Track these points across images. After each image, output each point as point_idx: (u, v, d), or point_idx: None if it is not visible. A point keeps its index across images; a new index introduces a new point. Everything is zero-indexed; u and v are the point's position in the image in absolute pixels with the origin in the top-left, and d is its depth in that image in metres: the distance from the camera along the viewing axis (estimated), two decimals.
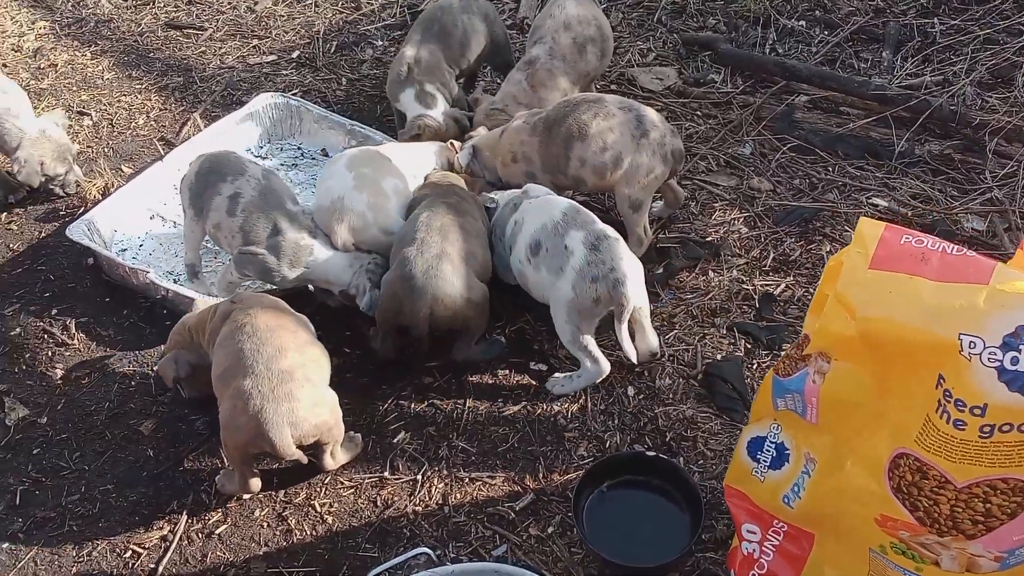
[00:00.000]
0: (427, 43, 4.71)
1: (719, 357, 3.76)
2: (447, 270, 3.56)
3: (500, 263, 3.88)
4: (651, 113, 4.00)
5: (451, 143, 4.37)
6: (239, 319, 3.30)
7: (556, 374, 3.69)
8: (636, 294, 3.46)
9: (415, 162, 4.21)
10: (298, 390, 3.15)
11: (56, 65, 5.61)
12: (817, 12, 5.62)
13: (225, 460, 3.42)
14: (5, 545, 3.32)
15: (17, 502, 3.44)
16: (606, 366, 3.57)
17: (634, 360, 3.55)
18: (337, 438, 3.33)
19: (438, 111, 4.64)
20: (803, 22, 5.56)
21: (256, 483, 3.32)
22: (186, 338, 3.54)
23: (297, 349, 3.27)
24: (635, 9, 5.82)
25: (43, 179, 4.52)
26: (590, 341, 3.56)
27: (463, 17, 4.81)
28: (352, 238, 3.88)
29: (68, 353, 3.93)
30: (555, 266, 3.53)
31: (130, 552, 3.28)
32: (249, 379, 3.14)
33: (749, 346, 3.80)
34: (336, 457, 3.39)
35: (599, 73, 4.84)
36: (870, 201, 4.40)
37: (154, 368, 3.74)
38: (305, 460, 3.30)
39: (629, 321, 3.52)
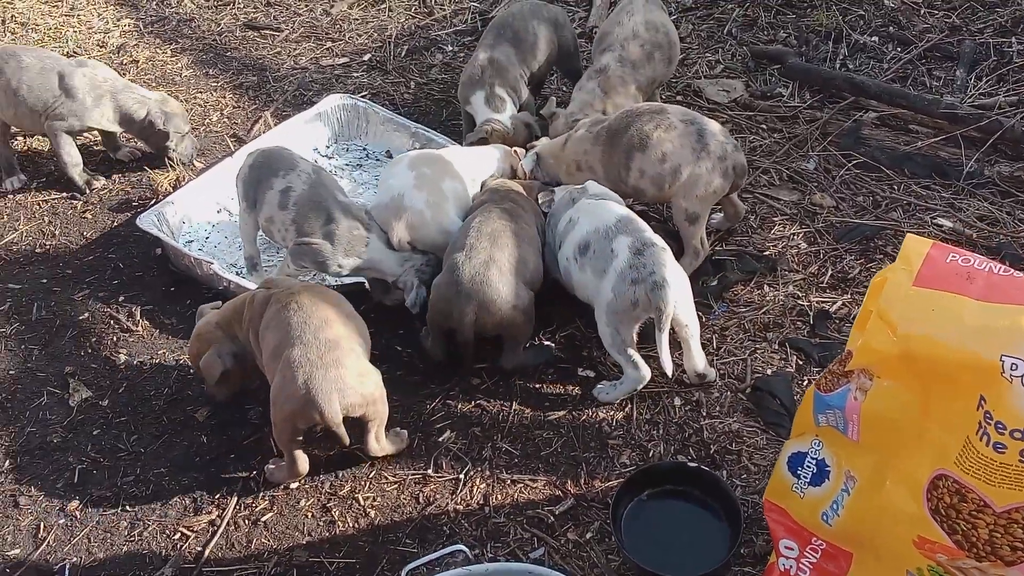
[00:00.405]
0: (500, 47, 4.78)
1: (769, 372, 3.73)
2: (494, 276, 3.59)
3: (549, 253, 3.92)
4: (713, 126, 3.99)
5: (515, 150, 4.41)
6: (283, 299, 3.39)
7: (602, 382, 3.70)
8: (677, 302, 3.45)
9: (477, 166, 4.27)
10: (345, 358, 3.25)
11: (137, 61, 5.80)
12: (891, 28, 5.54)
13: (274, 445, 3.49)
14: (62, 521, 3.44)
15: (75, 480, 3.57)
16: (647, 372, 3.56)
17: (668, 372, 3.52)
18: (382, 417, 3.37)
19: (506, 115, 4.68)
20: (876, 38, 5.49)
21: (304, 463, 3.38)
22: (217, 335, 3.59)
23: (341, 321, 3.38)
24: (705, 21, 5.80)
25: (174, 135, 4.78)
26: (631, 346, 3.56)
27: (534, 22, 4.86)
28: (408, 235, 3.94)
29: (132, 339, 4.06)
30: (599, 268, 3.56)
31: (179, 534, 3.37)
32: (297, 348, 3.23)
33: (800, 362, 3.76)
34: (381, 442, 3.43)
35: (666, 80, 4.85)
36: (935, 221, 4.32)
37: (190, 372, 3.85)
38: (347, 441, 3.34)
39: (677, 340, 3.52)
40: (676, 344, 3.64)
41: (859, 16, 5.66)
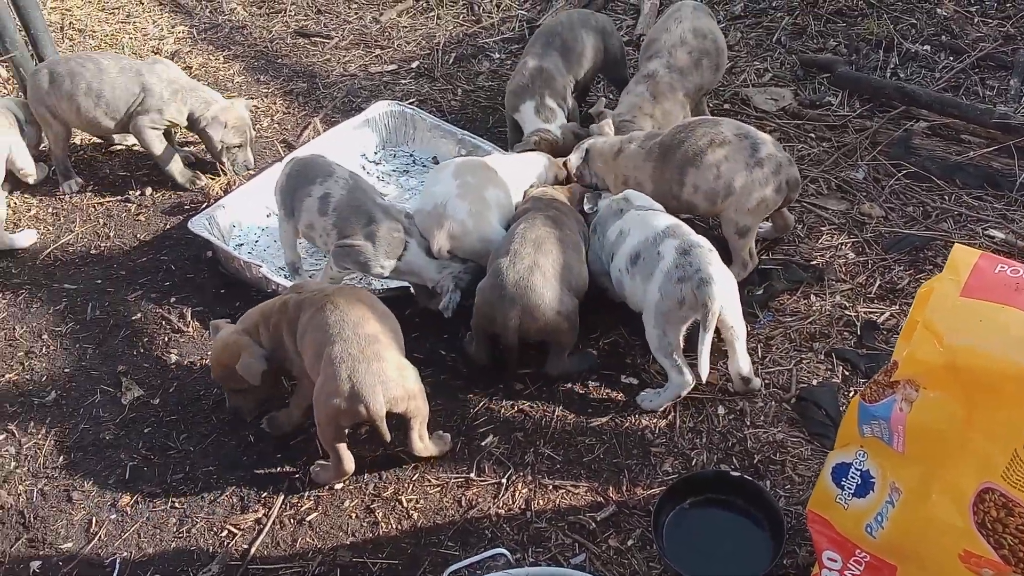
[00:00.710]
0: (548, 56, 4.80)
1: (814, 382, 3.70)
2: (538, 282, 3.61)
3: (595, 260, 3.93)
4: (766, 140, 3.97)
5: (560, 161, 4.42)
6: (318, 301, 3.45)
7: (646, 390, 3.70)
8: (724, 302, 3.44)
9: (522, 173, 4.29)
10: (385, 351, 3.33)
11: (191, 67, 5.91)
12: (943, 37, 5.48)
13: (320, 445, 3.53)
14: (113, 516, 3.52)
15: (127, 476, 3.65)
16: (691, 379, 3.56)
17: (703, 375, 3.50)
18: (424, 414, 3.42)
19: (555, 125, 4.70)
20: (928, 47, 5.43)
21: (350, 461, 3.44)
22: (245, 341, 3.56)
23: (376, 318, 3.45)
24: (754, 29, 5.78)
25: (220, 145, 4.83)
26: (677, 350, 3.57)
27: (582, 31, 4.88)
28: (449, 244, 3.97)
29: (182, 340, 4.14)
30: (647, 272, 3.57)
31: (226, 532, 3.43)
32: (338, 345, 3.29)
33: (847, 373, 3.73)
34: (424, 441, 3.48)
35: (712, 87, 4.84)
36: (986, 232, 4.26)
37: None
38: (389, 437, 3.37)
39: (722, 342, 3.51)
40: (722, 353, 3.64)
41: (911, 25, 5.60)
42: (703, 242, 3.57)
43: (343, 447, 3.41)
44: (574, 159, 4.28)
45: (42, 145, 5.14)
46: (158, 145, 4.90)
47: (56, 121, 4.87)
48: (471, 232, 3.97)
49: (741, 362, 3.60)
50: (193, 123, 4.86)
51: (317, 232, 4.06)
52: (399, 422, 3.40)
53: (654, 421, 3.62)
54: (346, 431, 3.39)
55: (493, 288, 3.66)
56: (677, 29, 4.59)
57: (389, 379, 3.27)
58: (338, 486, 3.51)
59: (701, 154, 3.91)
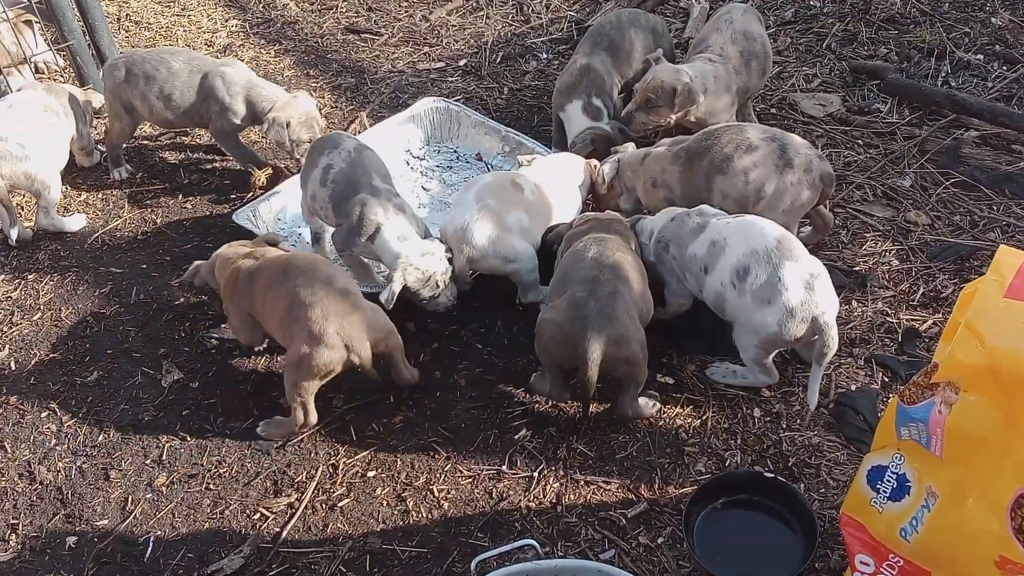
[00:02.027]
0: (596, 55, 4.81)
1: (853, 388, 3.66)
2: (621, 311, 3.38)
3: (671, 281, 3.82)
4: (795, 140, 3.94)
5: (591, 162, 4.42)
6: (275, 269, 3.64)
7: (718, 363, 3.73)
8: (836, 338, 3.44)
9: (566, 175, 4.30)
10: (361, 302, 3.56)
11: (242, 60, 5.97)
12: (997, 46, 5.40)
13: (290, 399, 3.58)
14: (149, 495, 3.57)
15: (163, 457, 3.70)
16: (775, 377, 3.57)
17: (812, 406, 3.48)
18: (401, 345, 3.68)
19: (604, 123, 4.71)
20: (980, 56, 5.35)
21: (314, 414, 3.61)
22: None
23: (341, 274, 3.66)
24: (804, 35, 5.73)
25: (290, 143, 4.74)
26: (769, 359, 3.57)
27: (631, 31, 4.88)
28: (469, 266, 3.99)
29: (223, 325, 4.18)
30: (764, 296, 3.41)
31: (259, 515, 3.46)
32: (317, 306, 3.45)
33: (886, 379, 3.68)
34: (409, 370, 3.75)
35: (757, 92, 4.81)
36: None
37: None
38: (378, 376, 3.66)
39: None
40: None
41: (964, 34, 5.53)
42: (818, 267, 3.44)
43: (311, 400, 3.58)
44: (607, 170, 4.26)
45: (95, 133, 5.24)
46: (234, 147, 4.98)
47: (128, 115, 4.94)
48: (490, 256, 3.95)
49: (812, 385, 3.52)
50: (260, 123, 4.83)
51: (319, 204, 4.13)
52: (382, 358, 3.65)
53: (688, 421, 3.60)
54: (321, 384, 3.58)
55: (573, 320, 3.35)
56: (728, 29, 4.59)
57: (370, 326, 3.51)
58: (371, 474, 3.53)
59: (728, 161, 3.89)
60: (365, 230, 3.92)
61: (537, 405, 3.72)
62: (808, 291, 3.36)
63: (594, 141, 4.62)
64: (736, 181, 3.88)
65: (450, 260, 3.93)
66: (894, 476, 2.69)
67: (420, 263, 3.83)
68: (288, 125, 4.69)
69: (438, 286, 3.89)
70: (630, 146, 4.44)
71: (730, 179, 3.89)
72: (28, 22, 5.55)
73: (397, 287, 3.80)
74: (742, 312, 3.49)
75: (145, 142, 5.39)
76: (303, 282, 3.51)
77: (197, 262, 4.06)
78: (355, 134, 5.17)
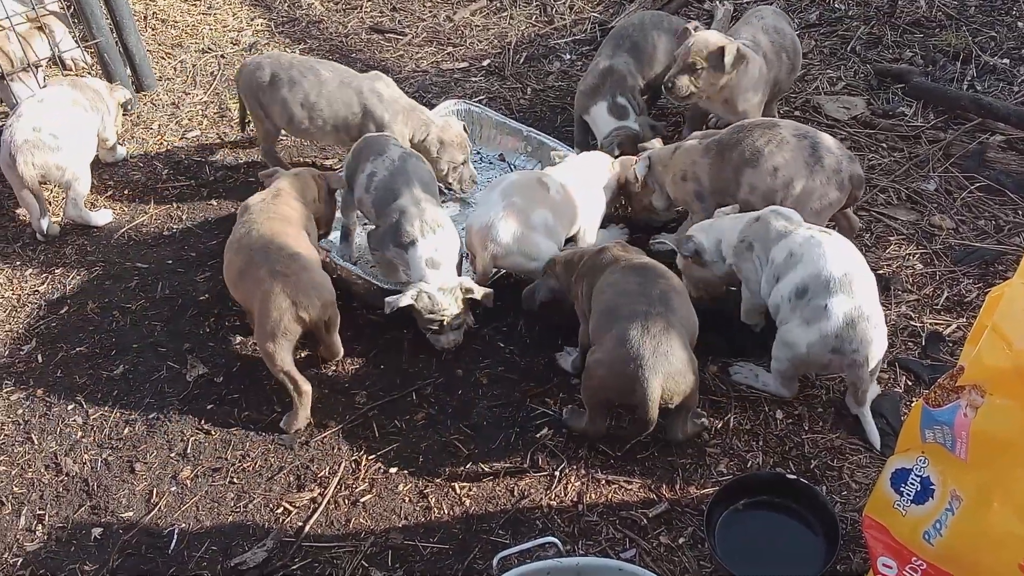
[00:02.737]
0: (619, 55, 4.82)
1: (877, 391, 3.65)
2: (676, 345, 3.28)
3: (755, 286, 3.72)
4: (827, 139, 3.93)
5: (623, 160, 4.43)
6: (242, 223, 3.92)
7: (742, 363, 3.74)
8: (873, 367, 3.43)
9: (592, 176, 4.32)
10: (309, 266, 3.76)
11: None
12: (1023, 50, 5.37)
13: (274, 374, 3.73)
14: (174, 488, 3.60)
15: (187, 450, 3.73)
16: (793, 392, 3.61)
17: (877, 447, 3.45)
18: (337, 319, 3.87)
19: (631, 121, 4.72)
20: (1007, 60, 5.33)
21: (305, 381, 3.74)
22: None
23: (294, 235, 3.86)
24: (828, 38, 5.72)
25: (447, 164, 4.58)
26: (795, 376, 3.58)
27: (654, 33, 4.89)
28: (493, 264, 4.01)
29: (247, 321, 4.21)
30: (807, 317, 3.39)
31: (282, 508, 3.49)
32: (264, 267, 3.67)
33: (910, 383, 3.67)
34: (337, 344, 3.95)
35: (786, 90, 4.81)
36: None
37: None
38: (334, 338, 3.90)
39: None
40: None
41: (990, 37, 5.51)
42: (873, 311, 3.38)
43: (294, 370, 3.71)
44: (640, 169, 4.27)
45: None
46: None
47: (267, 119, 4.78)
48: (515, 253, 3.98)
49: (852, 399, 3.53)
50: (415, 147, 4.58)
51: (365, 208, 4.18)
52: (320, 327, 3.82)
53: (710, 421, 3.59)
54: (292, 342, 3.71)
55: (627, 359, 3.23)
56: (759, 23, 4.61)
57: (317, 288, 3.69)
58: (393, 470, 3.55)
59: (758, 155, 3.89)
60: (400, 239, 3.93)
61: (559, 404, 3.73)
62: (848, 327, 3.32)
63: (622, 143, 4.63)
64: (765, 175, 3.88)
65: (467, 298, 3.90)
66: (918, 479, 2.69)
67: (436, 296, 3.83)
68: (444, 145, 4.57)
69: (441, 327, 3.87)
70: (657, 142, 4.45)
71: (759, 173, 3.89)
72: (42, 28, 5.56)
73: (403, 303, 3.83)
74: (785, 326, 3.48)
75: (172, 139, 5.43)
76: (259, 246, 3.74)
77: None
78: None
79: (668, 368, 3.24)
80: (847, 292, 3.35)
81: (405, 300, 3.82)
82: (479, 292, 3.91)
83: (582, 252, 3.85)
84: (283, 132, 4.92)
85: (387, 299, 3.85)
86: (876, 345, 3.38)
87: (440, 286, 3.84)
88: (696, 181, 4.09)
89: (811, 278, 3.40)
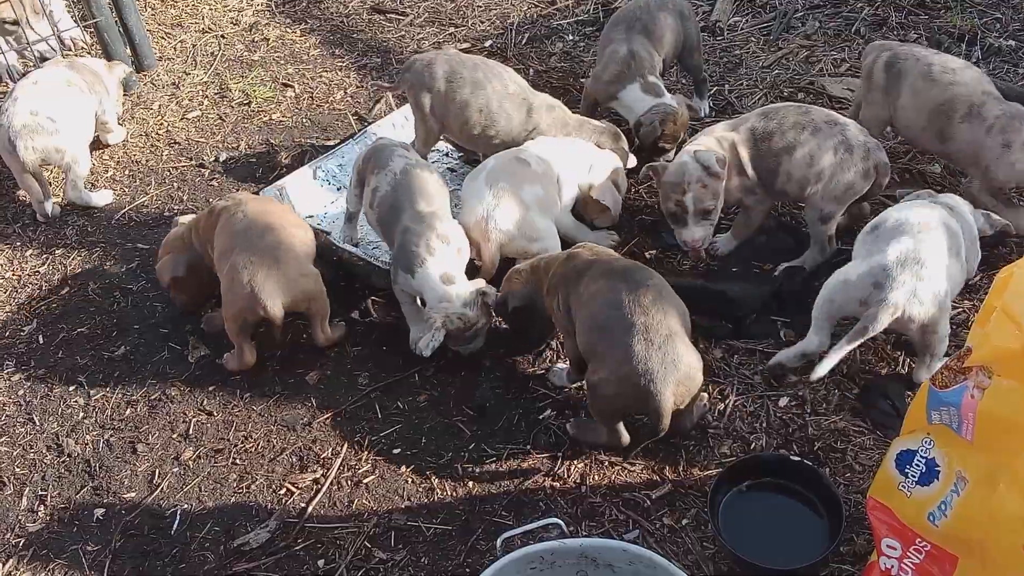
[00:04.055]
0: (635, 39, 4.74)
1: (882, 373, 3.64)
2: (681, 349, 3.22)
3: None
4: (853, 127, 3.92)
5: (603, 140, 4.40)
6: (231, 209, 3.88)
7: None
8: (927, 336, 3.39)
9: (582, 157, 4.29)
10: (285, 258, 3.74)
11: (268, 39, 6.00)
12: None
13: (231, 336, 3.81)
14: (176, 469, 3.60)
15: (189, 431, 3.72)
16: (822, 344, 3.47)
17: (815, 376, 3.36)
18: (324, 312, 3.86)
19: (668, 97, 4.66)
20: (1012, 42, 5.29)
21: (251, 354, 3.84)
22: (177, 245, 4.07)
23: (280, 227, 3.83)
24: (833, 19, 5.69)
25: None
26: (832, 319, 3.50)
27: (660, 13, 4.83)
28: (499, 253, 3.96)
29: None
30: (868, 251, 3.44)
31: (285, 489, 3.48)
32: (241, 253, 3.70)
33: (914, 366, 3.65)
34: (326, 333, 3.90)
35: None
36: None
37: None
38: (280, 339, 3.90)
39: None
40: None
41: (995, 19, 5.47)
42: (932, 264, 3.31)
43: (246, 342, 3.80)
44: (719, 152, 3.96)
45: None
46: None
47: (434, 120, 4.47)
48: (517, 237, 3.94)
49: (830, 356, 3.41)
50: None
51: (371, 224, 4.10)
52: (303, 317, 3.91)
53: (713, 403, 3.59)
54: (250, 329, 3.78)
55: (635, 376, 3.17)
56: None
57: (287, 283, 3.69)
58: (395, 451, 3.54)
59: (794, 144, 3.87)
60: (407, 263, 3.76)
61: (563, 387, 3.72)
62: (899, 266, 3.30)
63: (663, 122, 4.56)
64: (801, 162, 3.87)
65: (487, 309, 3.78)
66: (923, 460, 2.68)
67: (465, 314, 3.69)
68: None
69: (476, 336, 3.80)
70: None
71: (796, 161, 3.88)
72: (15, 22, 5.46)
73: (439, 340, 3.67)
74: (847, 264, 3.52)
75: (172, 119, 5.41)
76: (242, 226, 3.79)
77: None
78: (381, 113, 5.19)
79: (678, 375, 3.19)
80: (912, 235, 3.35)
81: (439, 336, 3.66)
82: (491, 292, 3.78)
83: (547, 261, 3.67)
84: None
85: (419, 345, 3.69)
86: (915, 295, 3.28)
87: (465, 302, 3.70)
88: (742, 175, 4.00)
89: (889, 218, 3.49)
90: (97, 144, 5.09)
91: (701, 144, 3.95)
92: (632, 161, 4.57)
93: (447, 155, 4.85)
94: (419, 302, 3.88)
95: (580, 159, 4.29)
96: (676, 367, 3.19)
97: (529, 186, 4.02)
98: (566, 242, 4.10)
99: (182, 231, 4.08)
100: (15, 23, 5.45)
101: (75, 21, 5.79)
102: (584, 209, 4.34)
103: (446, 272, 3.74)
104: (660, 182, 3.99)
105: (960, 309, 3.87)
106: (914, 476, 2.70)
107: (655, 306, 3.26)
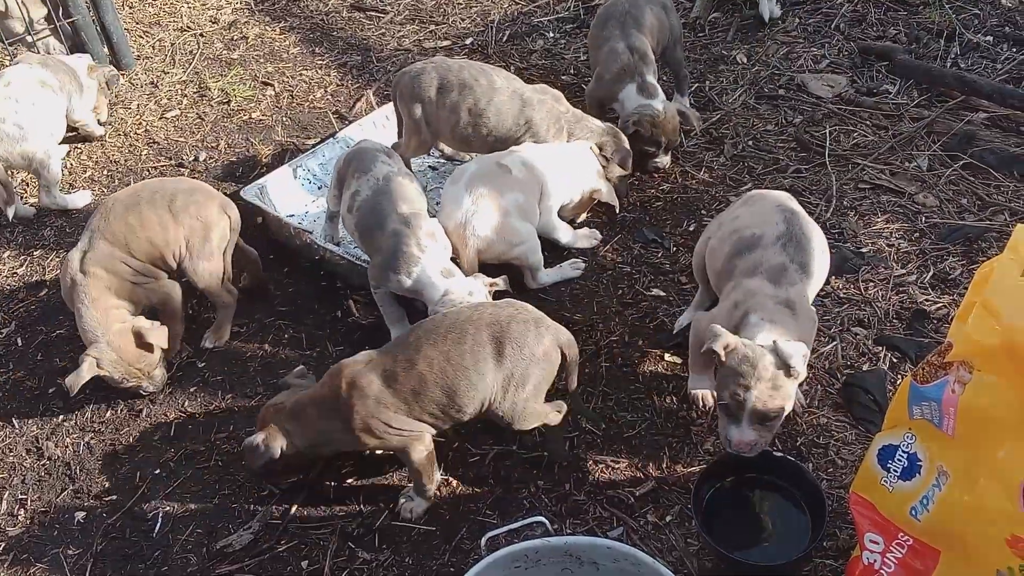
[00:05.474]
0: (631, 34, 4.71)
1: (862, 368, 3.66)
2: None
3: None
4: None
5: (594, 146, 4.38)
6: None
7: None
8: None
9: (572, 164, 4.28)
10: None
11: (247, 38, 5.97)
12: (1007, 28, 5.38)
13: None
14: (157, 471, 3.57)
15: (171, 433, 3.70)
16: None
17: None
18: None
19: (659, 100, 4.63)
20: (990, 37, 5.33)
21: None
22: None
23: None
24: (812, 15, 5.71)
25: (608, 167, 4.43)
26: None
27: (648, 7, 4.82)
28: (478, 258, 3.95)
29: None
30: None
31: (267, 491, 3.46)
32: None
33: (895, 360, 3.68)
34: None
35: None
36: None
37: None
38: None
39: None
40: None
41: (974, 15, 5.51)
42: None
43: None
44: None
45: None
46: None
47: (428, 130, 4.46)
48: (496, 243, 3.94)
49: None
50: None
51: (348, 227, 4.02)
52: None
53: (697, 399, 3.59)
54: None
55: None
56: None
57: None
58: (379, 452, 3.53)
59: None
60: (401, 265, 3.71)
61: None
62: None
63: (638, 122, 4.54)
64: None
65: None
66: (905, 455, 2.69)
67: (477, 297, 3.63)
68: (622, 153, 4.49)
69: None
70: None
71: None
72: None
73: None
74: None
75: (151, 118, 5.37)
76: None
77: None
78: (362, 112, 5.17)
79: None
80: None
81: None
82: (501, 283, 3.73)
83: (308, 398, 3.28)
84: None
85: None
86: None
87: (468, 291, 3.62)
88: None
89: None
90: (76, 141, 5.04)
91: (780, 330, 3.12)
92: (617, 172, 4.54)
93: (429, 153, 4.82)
94: (398, 303, 3.87)
95: (569, 165, 4.27)
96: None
97: (509, 192, 4.01)
98: (547, 244, 4.11)
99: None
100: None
101: (52, 20, 5.73)
102: (579, 208, 4.39)
103: (444, 267, 3.71)
104: (721, 361, 3.05)
105: (941, 304, 3.89)
106: (896, 471, 2.72)
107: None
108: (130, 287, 3.78)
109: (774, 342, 3.00)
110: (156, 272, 3.87)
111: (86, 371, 3.56)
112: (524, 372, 3.19)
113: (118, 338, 3.63)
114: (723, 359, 3.00)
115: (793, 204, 3.50)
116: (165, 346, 3.73)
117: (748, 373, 2.96)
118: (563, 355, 3.29)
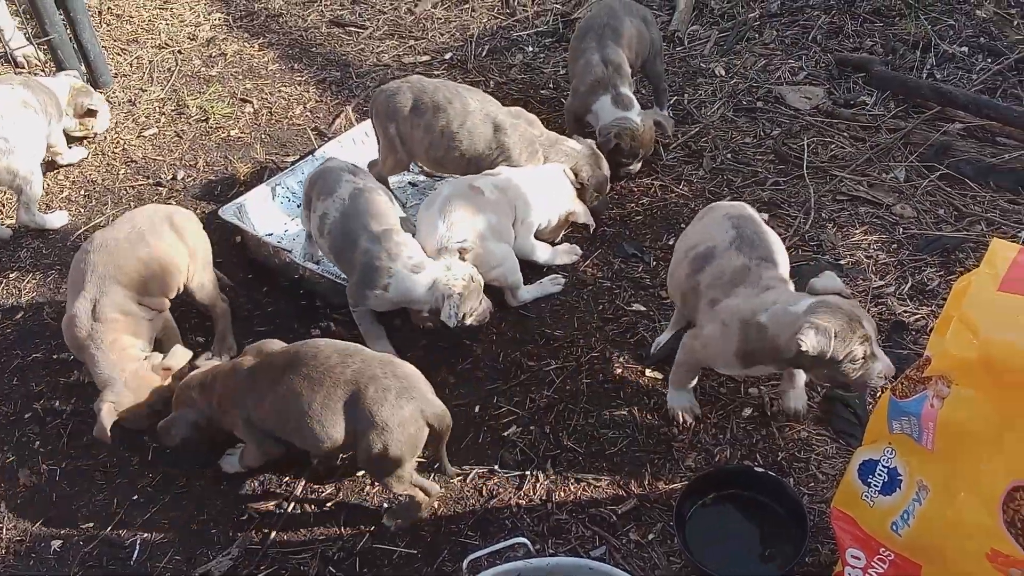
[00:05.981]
0: (607, 46, 4.71)
1: None
2: (421, 392, 3.24)
3: None
4: None
5: (567, 170, 4.35)
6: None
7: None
8: None
9: (547, 187, 4.26)
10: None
11: (226, 54, 5.94)
12: (981, 39, 5.41)
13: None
14: (135, 497, 3.54)
15: (149, 459, 3.67)
16: None
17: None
18: None
19: (635, 112, 4.62)
20: (965, 48, 5.36)
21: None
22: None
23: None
24: (790, 27, 5.73)
25: (586, 189, 4.41)
26: None
27: (627, 18, 4.82)
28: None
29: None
30: None
31: (246, 516, 3.43)
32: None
33: None
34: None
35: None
36: (1021, 235, 4.19)
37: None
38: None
39: None
40: None
41: (949, 26, 5.54)
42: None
43: None
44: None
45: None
46: None
47: (403, 149, 4.45)
48: (472, 267, 3.87)
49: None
50: None
51: (324, 251, 4.03)
52: None
53: (678, 416, 3.58)
54: None
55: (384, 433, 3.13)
56: None
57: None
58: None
59: None
60: (375, 280, 3.74)
61: (527, 403, 3.70)
62: None
63: (619, 134, 4.54)
64: None
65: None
66: (885, 470, 2.69)
67: (454, 277, 3.69)
68: (599, 177, 4.47)
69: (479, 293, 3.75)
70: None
71: None
72: None
73: (458, 303, 3.64)
74: None
75: (128, 136, 5.33)
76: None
77: None
78: (341, 128, 5.16)
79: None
80: None
81: (456, 301, 3.64)
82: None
83: (213, 372, 3.45)
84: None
85: (444, 319, 3.66)
86: None
87: (446, 267, 3.70)
88: None
89: None
90: (51, 164, 5.01)
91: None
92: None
93: (408, 169, 4.81)
94: (378, 321, 3.87)
95: (544, 188, 4.25)
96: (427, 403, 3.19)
97: (483, 215, 3.98)
98: (525, 264, 4.09)
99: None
100: None
101: (28, 39, 5.70)
102: (556, 230, 4.37)
103: (412, 264, 3.72)
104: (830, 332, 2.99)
105: (919, 315, 3.90)
106: (876, 486, 2.71)
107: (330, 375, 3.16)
108: (144, 324, 3.76)
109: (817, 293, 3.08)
110: (164, 303, 3.87)
111: (107, 417, 3.49)
112: (373, 437, 3.10)
113: (134, 379, 3.59)
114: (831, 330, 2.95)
115: (744, 211, 3.49)
116: (186, 363, 3.70)
117: (855, 316, 2.99)
118: (431, 428, 3.19)
